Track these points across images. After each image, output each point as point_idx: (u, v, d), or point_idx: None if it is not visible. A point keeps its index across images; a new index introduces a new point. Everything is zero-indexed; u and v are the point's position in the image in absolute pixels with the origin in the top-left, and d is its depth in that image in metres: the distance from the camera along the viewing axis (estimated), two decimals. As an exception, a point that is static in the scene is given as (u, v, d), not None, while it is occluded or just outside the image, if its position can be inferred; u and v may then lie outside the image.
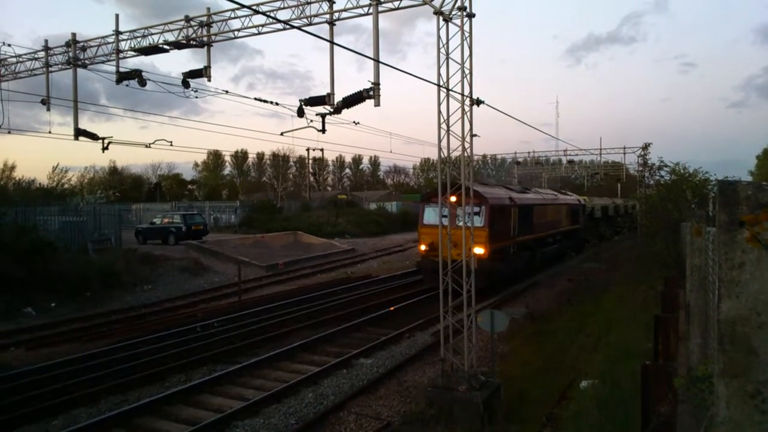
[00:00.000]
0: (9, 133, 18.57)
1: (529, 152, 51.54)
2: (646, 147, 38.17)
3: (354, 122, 16.97)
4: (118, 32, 16.09)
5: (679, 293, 8.96)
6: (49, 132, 19.54)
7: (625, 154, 44.00)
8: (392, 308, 19.17)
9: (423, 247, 20.82)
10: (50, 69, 17.84)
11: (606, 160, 48.35)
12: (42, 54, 17.86)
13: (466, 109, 11.18)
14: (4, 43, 17.88)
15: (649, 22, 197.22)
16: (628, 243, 29.03)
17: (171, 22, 15.33)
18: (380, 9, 12.48)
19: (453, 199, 15.33)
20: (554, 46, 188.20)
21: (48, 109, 18.43)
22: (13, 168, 60.65)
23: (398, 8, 12.56)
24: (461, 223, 15.30)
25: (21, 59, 18.20)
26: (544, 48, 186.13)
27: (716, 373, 2.41)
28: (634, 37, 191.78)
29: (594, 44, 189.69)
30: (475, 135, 11.58)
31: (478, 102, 11.81)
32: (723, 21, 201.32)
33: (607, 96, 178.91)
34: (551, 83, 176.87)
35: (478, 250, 17.83)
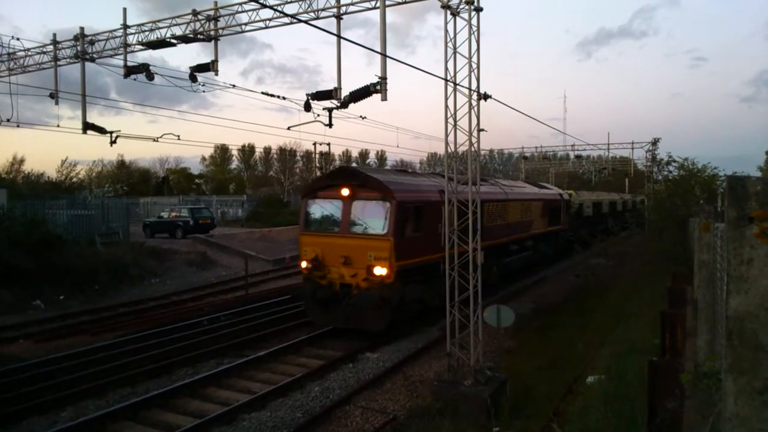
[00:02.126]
0: (18, 126, 18.71)
1: (536, 147, 51.26)
2: (655, 142, 37.93)
3: (361, 117, 16.97)
4: (126, 26, 16.11)
5: (686, 289, 8.93)
6: (58, 126, 19.68)
7: (633, 149, 43.72)
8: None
9: (304, 264, 14.57)
10: (59, 63, 17.89)
11: (614, 155, 48.04)
12: (50, 48, 17.92)
13: (473, 103, 11.14)
14: (13, 37, 17.91)
15: (661, 16, 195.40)
16: (635, 239, 28.84)
17: (178, 16, 15.34)
18: (387, 3, 12.44)
19: (345, 192, 13.46)
20: (565, 41, 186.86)
21: (56, 103, 18.51)
22: (22, 161, 61.12)
23: (405, 2, 12.53)
24: (358, 228, 13.41)
25: (30, 53, 18.27)
26: (555, 42, 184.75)
27: (724, 369, 2.40)
28: (645, 31, 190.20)
29: (605, 38, 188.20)
30: (482, 130, 11.55)
31: (486, 96, 11.77)
32: (735, 16, 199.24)
33: (617, 91, 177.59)
34: (560, 78, 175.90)
35: (379, 270, 13.39)
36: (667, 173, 22.86)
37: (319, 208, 15.14)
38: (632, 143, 43.32)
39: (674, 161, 20.35)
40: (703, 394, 3.82)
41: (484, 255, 18.95)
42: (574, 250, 31.15)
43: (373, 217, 14.03)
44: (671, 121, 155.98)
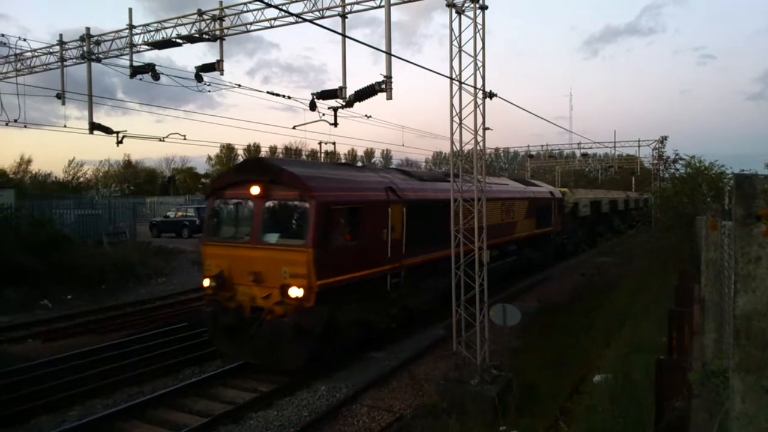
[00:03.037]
0: (25, 127, 18.83)
1: (542, 145, 51.15)
2: (662, 140, 37.72)
3: (366, 116, 16.99)
4: (131, 26, 16.17)
5: (693, 287, 8.89)
6: (65, 126, 19.78)
7: (639, 147, 43.55)
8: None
9: (207, 282, 11.87)
10: (65, 63, 17.99)
11: (620, 153, 47.87)
12: (57, 48, 18.01)
13: (479, 102, 11.12)
14: (20, 38, 18.02)
15: (668, 13, 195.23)
16: (642, 237, 28.69)
17: (184, 16, 15.39)
18: (392, 1, 12.44)
19: (255, 190, 10.98)
20: (571, 38, 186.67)
21: (63, 104, 18.63)
22: (29, 162, 61.48)
23: (411, 0, 12.52)
24: (271, 237, 11.08)
25: (36, 53, 18.37)
26: (561, 40, 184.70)
27: (732, 368, 2.39)
28: (653, 28, 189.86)
29: (612, 36, 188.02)
30: (488, 128, 11.52)
31: (491, 95, 11.75)
32: (743, 12, 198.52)
33: (623, 88, 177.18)
34: (566, 76, 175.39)
35: (295, 291, 10.67)
36: (674, 171, 22.76)
37: (225, 211, 12.61)
38: (639, 141, 43.19)
39: (681, 159, 20.26)
40: (710, 392, 3.80)
41: (446, 263, 15.09)
42: (568, 255, 29.43)
43: (289, 223, 11.56)
44: (678, 119, 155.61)
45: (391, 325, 14.04)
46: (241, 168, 12.71)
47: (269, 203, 11.55)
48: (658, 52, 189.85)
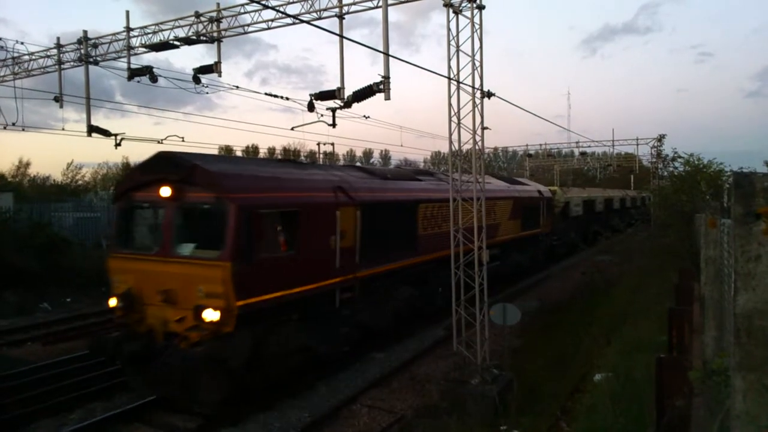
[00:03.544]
0: (23, 130, 18.82)
1: (541, 144, 51.14)
2: (660, 139, 37.73)
3: (364, 116, 16.99)
4: (128, 29, 16.16)
5: (693, 285, 8.90)
6: (63, 129, 19.82)
7: (638, 145, 43.54)
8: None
9: (113, 302, 10.08)
10: (62, 66, 17.98)
11: (619, 151, 47.88)
12: (54, 51, 17.99)
13: (477, 101, 11.13)
14: (17, 41, 18.04)
15: (665, 11, 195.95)
16: (641, 235, 28.69)
17: (181, 18, 15.39)
18: (389, 2, 12.43)
19: (165, 191, 9.44)
20: (569, 38, 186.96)
21: (61, 107, 18.63)
22: (27, 165, 61.26)
23: (408, 0, 12.52)
24: (184, 248, 9.48)
25: (34, 57, 18.36)
26: (559, 40, 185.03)
27: (732, 367, 2.39)
28: (650, 27, 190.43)
29: (609, 35, 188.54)
30: (486, 128, 11.54)
31: (489, 94, 11.75)
32: (740, 11, 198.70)
33: (621, 87, 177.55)
34: (565, 75, 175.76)
35: (210, 314, 8.98)
36: (673, 169, 22.75)
37: (133, 218, 10.71)
38: (637, 139, 43.15)
39: (680, 157, 20.25)
40: (711, 391, 3.80)
41: (419, 273, 14.39)
42: (559, 257, 28.35)
43: (205, 231, 9.56)
44: (676, 117, 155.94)
45: (343, 348, 12.25)
46: (148, 165, 10.23)
47: (182, 207, 9.71)
48: (656, 50, 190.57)
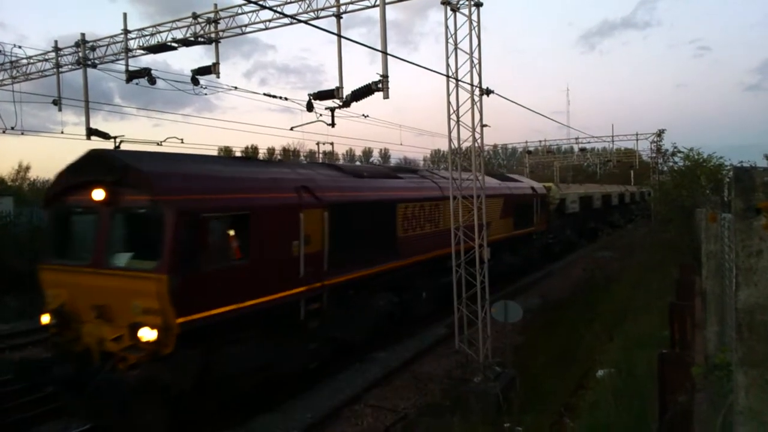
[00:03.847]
0: (23, 134, 18.82)
1: (540, 141, 51.09)
2: (660, 134, 37.67)
3: (363, 115, 16.98)
4: (126, 31, 16.15)
5: (694, 280, 8.89)
6: (62, 132, 19.76)
7: (637, 140, 43.49)
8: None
9: (46, 318, 9.01)
10: (60, 69, 17.97)
11: (618, 147, 47.83)
12: (52, 55, 17.98)
13: (476, 99, 11.12)
14: (15, 45, 18.04)
15: (664, 6, 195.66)
16: (641, 231, 28.66)
17: (179, 20, 15.36)
18: (387, 0, 12.41)
19: (98, 194, 8.49)
20: (568, 34, 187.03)
21: (60, 110, 18.62)
22: (27, 169, 61.34)
23: (405, -1, 12.49)
24: (120, 258, 8.53)
25: (32, 60, 18.35)
26: (558, 36, 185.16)
27: (735, 362, 2.38)
28: (648, 21, 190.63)
29: (608, 30, 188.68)
30: (486, 125, 11.54)
31: (488, 92, 11.74)
32: (739, 4, 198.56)
33: (620, 82, 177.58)
34: (564, 71, 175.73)
35: (147, 333, 8.00)
36: (673, 164, 22.73)
37: (65, 224, 9.56)
38: (636, 135, 43.09)
39: (679, 152, 20.23)
40: (714, 386, 3.80)
41: (397, 280, 13.19)
42: (555, 256, 27.79)
43: (141, 238, 8.63)
44: (676, 112, 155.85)
45: (310, 365, 11.19)
46: (78, 165, 9.12)
47: (116, 212, 8.74)
48: (655, 45, 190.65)
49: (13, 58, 18.34)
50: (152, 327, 7.98)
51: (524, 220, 22.50)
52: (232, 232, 9.16)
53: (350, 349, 12.58)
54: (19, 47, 18.17)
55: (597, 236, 33.96)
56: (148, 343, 7.99)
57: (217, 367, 8.77)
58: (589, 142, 47.78)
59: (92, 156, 8.89)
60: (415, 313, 15.02)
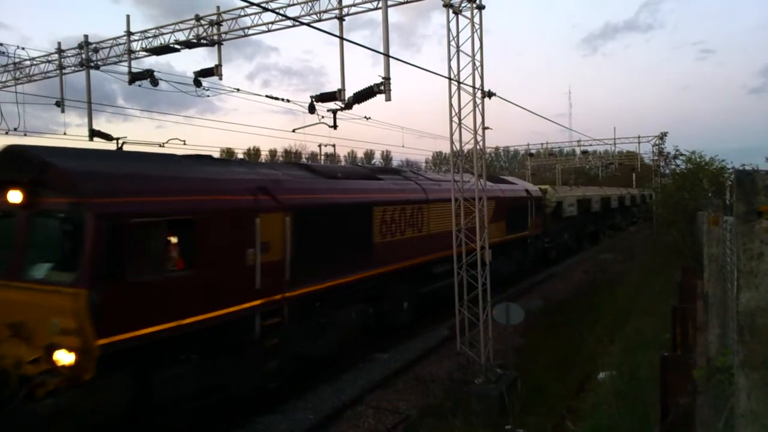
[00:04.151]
0: (25, 135, 18.83)
1: (542, 143, 51.15)
2: (662, 136, 37.69)
3: (365, 117, 17.00)
4: (129, 33, 16.20)
5: (696, 283, 8.90)
6: (64, 133, 19.81)
7: (639, 143, 43.47)
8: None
9: None
10: (64, 71, 18.02)
11: (620, 150, 47.82)
12: (55, 56, 18.04)
13: (478, 101, 11.14)
14: (18, 47, 18.07)
15: (667, 9, 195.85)
16: (644, 233, 28.65)
17: (181, 22, 15.41)
18: (389, 2, 12.44)
19: (14, 196, 7.53)
20: (570, 36, 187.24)
21: (62, 111, 18.68)
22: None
23: (407, 1, 12.52)
24: (38, 270, 7.52)
25: (35, 62, 18.40)
26: (560, 38, 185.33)
27: (736, 365, 2.39)
28: (651, 24, 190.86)
29: (611, 33, 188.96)
30: (487, 128, 11.57)
31: (490, 94, 11.77)
32: (743, 7, 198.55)
33: (623, 85, 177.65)
34: (566, 73, 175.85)
35: (65, 356, 7.03)
36: (675, 167, 22.75)
37: None
38: (639, 137, 43.09)
39: (682, 155, 20.26)
40: (716, 389, 3.80)
41: (381, 286, 12.19)
42: (551, 261, 26.97)
43: (61, 246, 7.38)
44: (678, 115, 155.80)
45: (270, 385, 10.09)
46: None
47: (34, 216, 7.71)
48: (658, 47, 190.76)
49: (17, 60, 18.39)
50: (69, 349, 6.96)
51: (518, 224, 21.40)
52: (171, 239, 8.10)
53: (321, 364, 11.68)
54: (23, 49, 18.18)
55: (598, 240, 33.58)
56: (64, 367, 7.00)
57: (155, 392, 7.87)
58: (591, 145, 47.85)
59: (9, 152, 7.82)
60: (393, 324, 14.07)
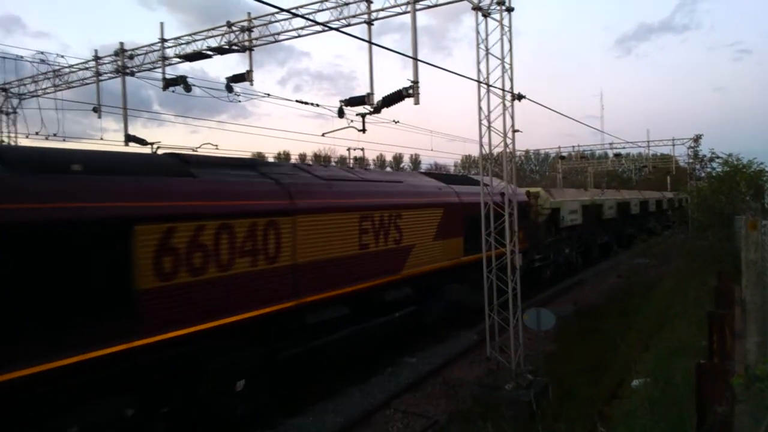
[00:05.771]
0: (64, 140, 19.39)
1: (573, 146, 50.43)
2: (697, 139, 36.87)
3: (394, 121, 17.03)
4: (163, 40, 16.52)
5: (733, 289, 8.67)
6: (101, 138, 20.29)
7: (674, 146, 42.56)
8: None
9: None
10: (100, 78, 18.48)
11: (654, 152, 46.84)
12: (92, 63, 18.51)
13: (507, 104, 11.06)
14: (57, 54, 18.63)
15: (703, 9, 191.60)
16: (679, 237, 27.96)
17: (213, 28, 15.65)
18: (417, 7, 12.45)
19: None
20: (603, 38, 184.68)
21: (99, 117, 19.13)
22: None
23: (436, 5, 12.51)
24: None
25: (73, 69, 18.91)
26: (592, 40, 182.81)
27: (776, 373, 2.33)
28: (687, 25, 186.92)
29: (645, 34, 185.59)
30: (517, 130, 11.45)
31: (520, 97, 11.66)
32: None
33: (657, 87, 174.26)
34: (599, 75, 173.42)
35: None
36: (711, 170, 22.24)
37: None
38: (673, 140, 42.22)
39: (718, 158, 19.80)
40: (755, 398, 3.70)
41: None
42: (545, 284, 21.92)
43: None
44: (714, 116, 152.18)
45: None
46: None
47: None
48: (693, 48, 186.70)
49: (56, 67, 18.94)
50: None
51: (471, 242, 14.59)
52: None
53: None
54: (62, 56, 18.78)
55: (610, 254, 29.78)
56: None
57: None
58: (623, 148, 47.02)
59: None
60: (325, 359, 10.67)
